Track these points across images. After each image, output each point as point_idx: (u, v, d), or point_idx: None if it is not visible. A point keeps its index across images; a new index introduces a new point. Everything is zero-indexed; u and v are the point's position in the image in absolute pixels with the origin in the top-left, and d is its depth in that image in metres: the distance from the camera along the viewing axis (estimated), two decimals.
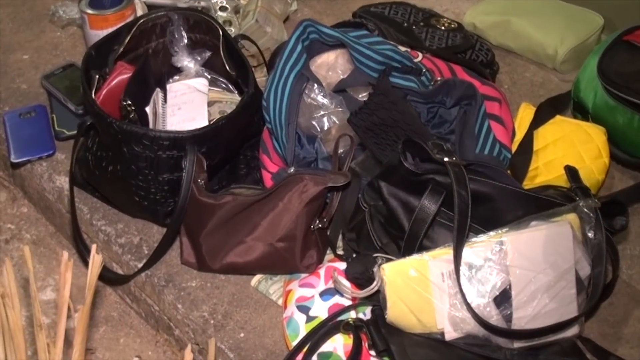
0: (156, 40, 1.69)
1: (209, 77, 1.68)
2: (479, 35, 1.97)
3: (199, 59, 1.68)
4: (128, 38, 1.63)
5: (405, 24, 1.87)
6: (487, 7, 2.04)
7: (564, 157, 1.60)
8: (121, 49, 1.62)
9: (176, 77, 1.67)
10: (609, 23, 1.98)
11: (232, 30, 2.00)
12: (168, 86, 1.63)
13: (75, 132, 1.73)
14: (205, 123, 1.57)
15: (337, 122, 1.52)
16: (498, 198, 1.34)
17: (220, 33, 1.64)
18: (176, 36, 1.66)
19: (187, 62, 1.67)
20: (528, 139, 1.62)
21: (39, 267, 1.71)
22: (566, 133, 1.64)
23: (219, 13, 2.03)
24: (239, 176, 1.62)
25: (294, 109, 1.49)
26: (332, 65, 1.62)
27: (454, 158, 1.31)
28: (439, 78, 1.62)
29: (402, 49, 1.64)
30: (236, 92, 1.70)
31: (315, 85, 1.54)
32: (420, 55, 1.65)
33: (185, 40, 1.66)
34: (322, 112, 1.52)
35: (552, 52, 1.91)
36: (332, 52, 1.61)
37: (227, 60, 1.63)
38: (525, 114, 1.68)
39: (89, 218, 1.63)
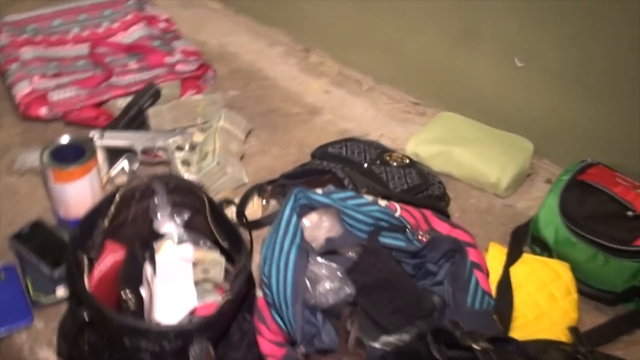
0: (135, 205, 1.34)
1: (188, 239, 1.34)
2: (427, 167, 1.71)
3: (178, 222, 1.35)
4: (112, 212, 1.28)
5: (365, 165, 1.59)
6: (427, 136, 1.78)
7: (538, 296, 1.37)
8: (106, 224, 1.27)
9: (161, 245, 1.33)
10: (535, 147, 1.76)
11: (192, 170, 1.67)
12: (157, 258, 1.28)
13: (52, 296, 1.39)
14: (192, 290, 1.25)
15: (340, 297, 1.22)
16: None
17: (205, 200, 1.32)
18: (157, 203, 1.33)
19: (168, 227, 1.34)
20: (506, 283, 1.37)
21: None
22: (534, 271, 1.40)
23: (176, 154, 1.70)
24: (234, 344, 1.29)
25: (300, 287, 1.18)
26: (317, 224, 1.32)
27: (482, 344, 1.05)
28: (421, 232, 1.35)
29: (382, 203, 1.35)
30: (218, 249, 1.37)
31: (318, 258, 1.24)
32: (398, 208, 1.37)
33: (169, 208, 1.33)
34: (326, 287, 1.22)
35: (496, 181, 1.68)
36: (315, 213, 1.32)
37: (217, 230, 1.30)
38: (494, 254, 1.43)
39: None
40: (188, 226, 1.37)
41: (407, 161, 1.64)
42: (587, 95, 1.67)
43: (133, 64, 1.94)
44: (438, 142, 1.75)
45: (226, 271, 1.38)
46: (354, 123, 1.92)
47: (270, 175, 1.73)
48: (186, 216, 1.36)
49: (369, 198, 1.35)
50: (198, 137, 1.76)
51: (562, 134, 1.74)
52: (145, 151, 1.71)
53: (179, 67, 1.93)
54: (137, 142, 1.70)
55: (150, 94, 1.80)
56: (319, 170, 1.53)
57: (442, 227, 1.41)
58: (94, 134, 1.69)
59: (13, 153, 1.73)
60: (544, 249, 1.49)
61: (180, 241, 1.34)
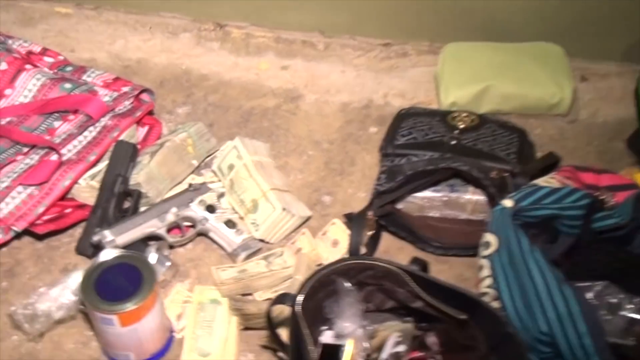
0: None
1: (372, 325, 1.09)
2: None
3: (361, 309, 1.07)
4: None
5: (453, 142, 1.36)
6: (453, 79, 1.57)
7: None
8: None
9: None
10: None
11: (243, 230, 1.34)
12: None
13: None
14: None
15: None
16: None
17: (398, 271, 1.04)
18: (340, 300, 1.03)
19: (353, 325, 1.05)
20: None
21: None
22: None
23: (211, 218, 1.35)
24: None
25: (599, 331, 0.97)
26: None
27: None
28: (603, 198, 1.18)
29: (554, 182, 1.16)
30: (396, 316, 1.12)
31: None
32: (566, 180, 1.19)
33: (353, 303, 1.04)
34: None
35: (557, 100, 1.53)
36: None
37: (435, 299, 1.04)
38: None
39: None
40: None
41: (475, 118, 1.43)
42: None
43: (63, 126, 1.49)
44: (471, 82, 1.55)
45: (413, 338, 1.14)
46: (345, 94, 1.66)
47: (316, 193, 1.45)
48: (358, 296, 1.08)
49: (562, 186, 1.15)
50: (213, 183, 1.42)
51: (581, 25, 1.62)
52: (170, 229, 1.35)
53: (120, 107, 1.52)
54: (158, 224, 1.33)
55: (129, 155, 1.40)
56: (428, 171, 1.28)
57: (589, 177, 1.26)
58: (100, 237, 1.29)
59: (3, 308, 1.28)
60: None
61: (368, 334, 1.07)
